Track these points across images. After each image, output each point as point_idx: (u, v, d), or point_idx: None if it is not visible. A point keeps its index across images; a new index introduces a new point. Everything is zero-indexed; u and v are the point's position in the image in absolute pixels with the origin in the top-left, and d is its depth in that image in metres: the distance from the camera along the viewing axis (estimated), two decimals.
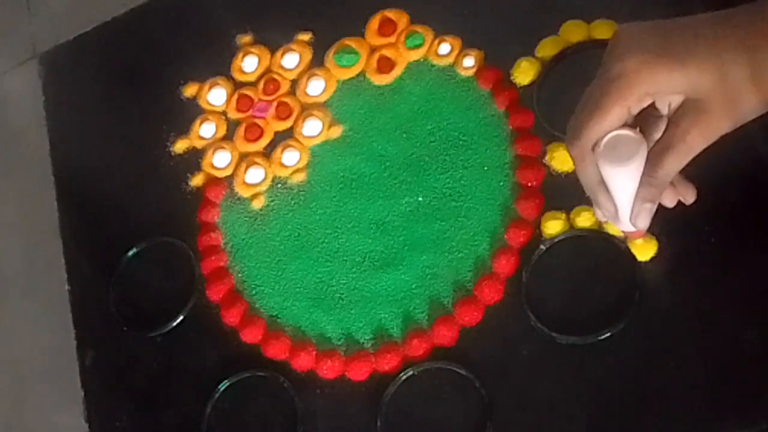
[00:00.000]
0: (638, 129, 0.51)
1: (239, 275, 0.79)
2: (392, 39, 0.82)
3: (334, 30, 0.85)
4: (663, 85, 0.47)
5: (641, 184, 0.51)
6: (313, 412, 0.72)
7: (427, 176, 0.76)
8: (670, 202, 0.54)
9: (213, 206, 0.83)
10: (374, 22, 0.83)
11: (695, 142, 0.48)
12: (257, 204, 0.81)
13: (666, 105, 0.50)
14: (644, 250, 0.65)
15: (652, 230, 0.66)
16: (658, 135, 0.52)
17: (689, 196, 0.54)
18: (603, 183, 0.53)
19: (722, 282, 0.64)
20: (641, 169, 0.51)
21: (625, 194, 0.53)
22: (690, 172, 0.67)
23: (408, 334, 0.71)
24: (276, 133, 0.84)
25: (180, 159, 0.86)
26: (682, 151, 0.48)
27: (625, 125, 0.50)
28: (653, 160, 0.50)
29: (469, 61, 0.78)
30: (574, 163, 0.53)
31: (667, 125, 0.50)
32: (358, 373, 0.71)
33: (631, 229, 0.56)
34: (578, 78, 0.73)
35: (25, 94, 0.98)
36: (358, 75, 0.83)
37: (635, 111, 0.49)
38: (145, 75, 0.91)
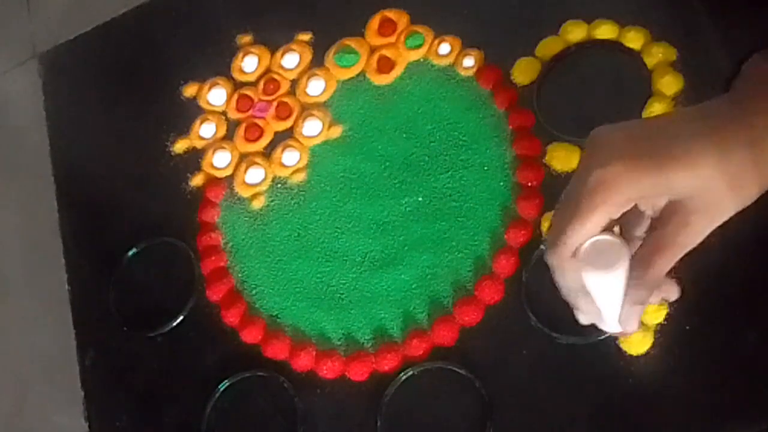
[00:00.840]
0: (618, 232, 0.50)
1: (239, 275, 0.79)
2: (392, 39, 0.82)
3: (334, 30, 0.85)
4: (645, 191, 0.46)
5: (631, 286, 0.50)
6: (313, 412, 0.72)
7: (427, 176, 0.76)
8: (654, 299, 0.53)
9: (213, 206, 0.83)
10: (374, 22, 0.83)
11: (685, 242, 0.48)
12: (257, 204, 0.81)
13: (649, 207, 0.49)
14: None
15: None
16: (639, 233, 0.51)
17: (673, 294, 0.54)
18: (584, 289, 0.52)
19: (722, 282, 0.64)
20: (625, 273, 0.50)
21: (609, 299, 0.52)
22: None
23: (408, 334, 0.71)
24: (276, 133, 0.84)
25: (180, 159, 0.86)
26: (673, 252, 0.48)
27: (605, 230, 0.49)
28: (643, 262, 0.49)
29: (469, 61, 0.78)
30: (552, 271, 0.51)
31: (655, 226, 0.49)
32: (358, 373, 0.71)
33: (619, 330, 0.54)
34: (578, 78, 0.74)
35: (25, 94, 0.98)
36: (358, 75, 0.83)
37: (616, 216, 0.48)
38: (145, 75, 0.91)
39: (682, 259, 0.65)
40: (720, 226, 0.64)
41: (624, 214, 0.48)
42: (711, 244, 0.65)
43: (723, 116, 0.46)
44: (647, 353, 0.64)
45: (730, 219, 0.65)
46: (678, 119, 0.49)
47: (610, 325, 0.53)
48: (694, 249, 0.65)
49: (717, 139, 0.45)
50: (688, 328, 0.64)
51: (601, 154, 0.46)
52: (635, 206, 0.49)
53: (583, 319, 0.54)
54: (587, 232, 0.48)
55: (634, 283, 0.49)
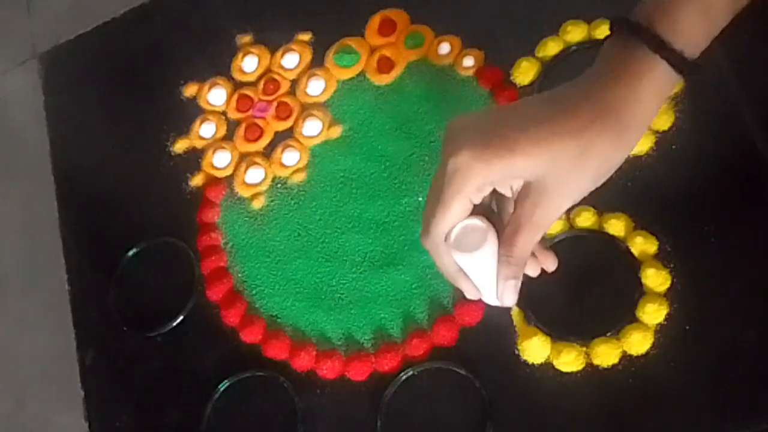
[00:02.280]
0: (484, 217, 0.53)
1: (239, 275, 0.79)
2: (392, 39, 0.82)
3: (334, 30, 0.85)
4: (498, 174, 0.49)
5: (500, 263, 0.53)
6: (313, 412, 0.72)
7: (427, 176, 0.76)
8: (533, 272, 0.56)
9: (213, 206, 0.83)
10: (374, 22, 0.83)
11: (540, 222, 0.50)
12: (257, 204, 0.81)
13: (508, 189, 0.52)
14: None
15: (652, 229, 0.67)
16: (508, 215, 0.53)
17: (550, 265, 0.56)
18: (461, 270, 0.55)
19: (722, 282, 0.64)
20: (493, 252, 0.53)
21: (483, 277, 0.55)
22: (690, 172, 0.67)
23: (408, 334, 0.71)
24: (276, 133, 0.84)
25: (180, 159, 0.86)
26: (531, 230, 0.50)
27: (473, 214, 0.52)
28: (507, 240, 0.51)
29: (469, 61, 0.78)
30: (430, 255, 0.54)
31: (514, 206, 0.51)
32: (358, 373, 0.71)
33: (499, 304, 0.56)
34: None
35: (25, 94, 0.98)
36: (358, 75, 0.83)
37: (477, 200, 0.51)
38: (145, 75, 0.91)
39: (682, 259, 0.65)
40: (720, 226, 0.65)
41: (498, 196, 0.52)
42: (711, 243, 0.65)
43: (568, 100, 0.47)
44: (647, 353, 0.64)
45: (730, 219, 0.65)
46: (525, 105, 0.51)
47: (490, 299, 0.56)
48: (695, 249, 0.65)
49: (560, 122, 0.47)
50: (688, 328, 0.64)
51: (454, 144, 0.49)
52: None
53: (468, 295, 0.56)
54: (451, 218, 0.51)
55: (503, 259, 0.52)
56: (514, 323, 0.68)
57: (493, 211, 0.55)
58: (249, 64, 0.87)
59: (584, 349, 0.65)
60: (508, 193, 0.52)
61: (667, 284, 0.65)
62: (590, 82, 0.47)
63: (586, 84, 0.47)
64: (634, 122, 0.47)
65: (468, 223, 0.52)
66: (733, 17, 0.48)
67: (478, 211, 0.53)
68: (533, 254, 0.55)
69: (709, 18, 0.46)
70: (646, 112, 0.47)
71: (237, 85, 0.87)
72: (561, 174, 0.48)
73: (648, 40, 0.45)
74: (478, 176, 0.49)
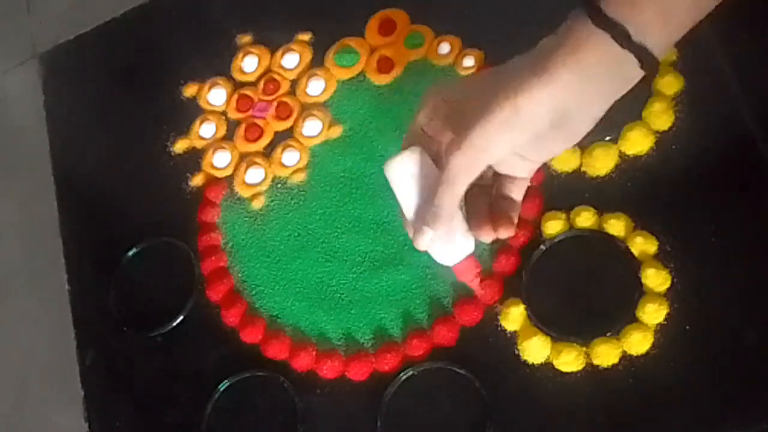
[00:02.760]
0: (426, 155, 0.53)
1: (239, 275, 0.79)
2: (392, 39, 0.82)
3: (334, 30, 0.85)
4: (437, 112, 0.51)
5: (421, 206, 0.52)
6: (313, 412, 0.72)
7: None
8: (485, 237, 0.53)
9: (213, 206, 0.83)
10: (374, 22, 0.83)
11: (453, 168, 0.49)
12: (257, 204, 0.81)
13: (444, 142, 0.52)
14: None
15: (652, 229, 0.67)
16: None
17: (503, 232, 0.53)
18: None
19: (722, 282, 0.64)
20: (409, 171, 0.53)
21: (400, 195, 0.54)
22: (690, 172, 0.67)
23: (408, 334, 0.71)
24: (276, 133, 0.84)
25: (180, 159, 0.86)
26: (446, 180, 0.49)
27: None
28: (435, 191, 0.51)
29: (469, 61, 0.78)
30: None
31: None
32: (358, 373, 0.71)
33: (421, 248, 0.54)
34: None
35: (25, 94, 0.98)
36: (358, 75, 0.83)
37: (424, 123, 0.53)
38: (145, 75, 0.91)
39: (682, 259, 0.65)
40: (720, 226, 0.65)
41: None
42: (711, 243, 0.65)
43: (519, 70, 0.47)
44: (647, 353, 0.64)
45: (730, 219, 0.65)
46: (482, 76, 0.52)
47: (410, 230, 0.54)
48: (695, 249, 0.65)
49: (510, 86, 0.46)
50: (688, 328, 0.64)
51: (426, 97, 0.52)
52: None
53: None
54: (409, 137, 0.54)
55: (426, 203, 0.51)
56: (516, 327, 0.68)
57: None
58: (249, 64, 0.87)
59: (584, 349, 0.65)
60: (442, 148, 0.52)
61: (667, 284, 0.65)
62: (545, 42, 0.47)
63: (542, 43, 0.47)
64: (543, 68, 0.45)
65: (411, 153, 0.53)
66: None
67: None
68: (493, 221, 0.53)
69: (667, 20, 0.45)
70: (562, 62, 0.45)
71: (237, 85, 0.87)
72: (469, 115, 0.47)
73: (590, 8, 0.45)
74: (431, 102, 0.52)
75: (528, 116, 0.46)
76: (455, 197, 0.49)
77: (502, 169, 0.51)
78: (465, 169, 0.48)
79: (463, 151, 0.47)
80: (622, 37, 0.44)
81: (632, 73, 0.46)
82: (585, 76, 0.45)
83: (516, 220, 0.53)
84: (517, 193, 0.52)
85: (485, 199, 0.52)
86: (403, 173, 0.54)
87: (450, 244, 0.52)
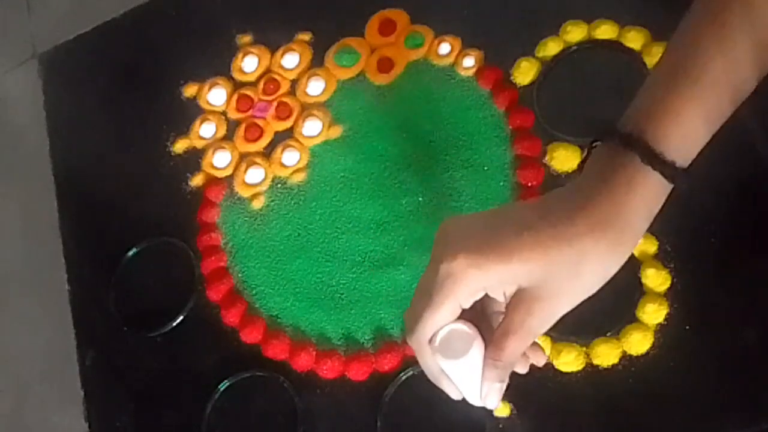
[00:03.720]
0: (470, 323, 0.52)
1: (239, 275, 0.79)
2: (392, 39, 0.82)
3: (334, 30, 0.85)
4: (492, 281, 0.49)
5: (486, 366, 0.52)
6: (313, 412, 0.72)
7: (427, 176, 0.76)
8: (522, 370, 0.56)
9: (213, 206, 0.83)
10: (374, 22, 0.83)
11: (534, 328, 0.49)
12: (257, 204, 0.81)
13: (501, 294, 0.51)
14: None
15: (652, 229, 0.67)
16: (499, 318, 0.53)
17: (540, 360, 0.56)
18: (444, 372, 0.54)
19: (722, 282, 0.64)
20: (477, 358, 0.52)
21: (466, 382, 0.54)
22: (690, 171, 0.67)
23: None
24: (276, 133, 0.84)
25: (180, 159, 0.86)
26: (522, 336, 0.50)
27: (459, 318, 0.51)
28: (496, 344, 0.51)
29: (469, 61, 0.78)
30: (415, 353, 0.54)
31: (506, 311, 0.51)
32: (358, 373, 0.71)
33: (482, 405, 0.55)
34: (578, 78, 0.74)
35: (25, 94, 0.98)
36: (358, 75, 0.83)
37: (467, 305, 0.50)
38: (145, 75, 0.91)
39: (682, 259, 0.65)
40: (720, 226, 0.65)
41: (484, 297, 0.51)
42: (711, 243, 0.65)
43: (562, 209, 0.47)
44: (647, 353, 0.64)
45: (730, 219, 0.65)
46: (520, 210, 0.51)
47: (473, 401, 0.55)
48: (695, 249, 0.65)
49: (556, 230, 0.47)
50: (688, 328, 0.64)
51: (448, 247, 0.49)
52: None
53: (452, 395, 0.56)
54: (439, 320, 0.50)
55: (489, 363, 0.51)
56: None
57: (478, 311, 0.55)
58: (249, 64, 0.87)
59: (584, 349, 0.65)
60: (500, 298, 0.51)
61: (667, 284, 0.65)
62: (584, 191, 0.47)
63: (579, 193, 0.47)
64: (629, 231, 0.47)
65: (454, 328, 0.51)
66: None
67: (465, 313, 0.52)
68: (524, 353, 0.54)
69: (708, 124, 0.46)
70: (641, 220, 0.47)
71: (237, 85, 0.87)
72: (557, 282, 0.47)
73: (641, 152, 0.45)
74: (473, 282, 0.48)
75: (612, 274, 0.48)
76: (525, 348, 0.51)
77: None
78: (546, 328, 0.49)
79: (551, 314, 0.49)
80: (672, 171, 0.45)
81: (668, 189, 0.48)
82: (639, 217, 0.47)
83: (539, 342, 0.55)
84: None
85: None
86: (470, 365, 0.52)
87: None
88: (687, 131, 0.45)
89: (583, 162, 0.51)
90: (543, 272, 0.47)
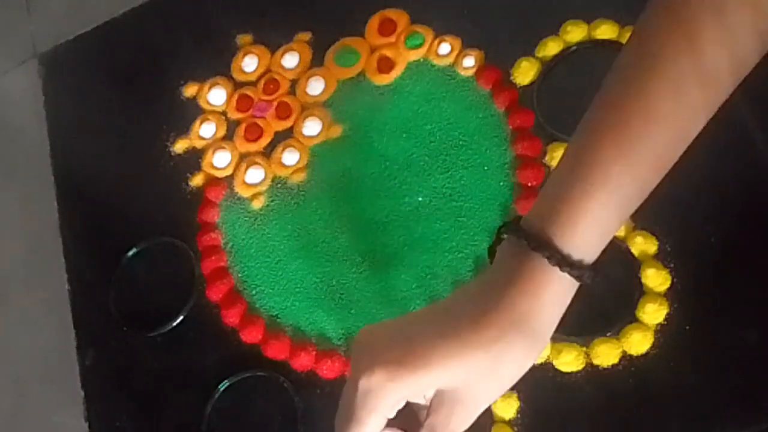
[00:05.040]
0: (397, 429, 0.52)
1: (239, 275, 0.79)
2: (392, 39, 0.82)
3: (334, 30, 0.85)
4: (411, 390, 0.49)
5: None
6: (313, 412, 0.72)
7: (427, 176, 0.76)
8: None
9: (213, 206, 0.83)
10: (374, 22, 0.83)
11: (457, 427, 0.50)
12: (257, 204, 0.81)
13: (421, 398, 0.52)
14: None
15: (653, 229, 0.67)
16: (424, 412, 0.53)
17: None
18: None
19: (722, 282, 0.64)
20: None
21: None
22: (690, 171, 0.67)
23: None
24: (276, 132, 0.84)
25: (180, 159, 0.86)
26: None
27: (387, 426, 0.51)
28: None
29: (469, 61, 0.78)
30: None
31: (429, 412, 0.51)
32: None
33: None
34: (578, 78, 0.74)
35: (25, 94, 0.98)
36: (358, 75, 0.83)
37: (391, 415, 0.50)
38: (145, 75, 0.91)
39: (682, 259, 0.65)
40: (720, 226, 0.65)
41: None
42: (711, 243, 0.65)
43: (474, 312, 0.48)
44: (647, 353, 0.64)
45: (730, 219, 0.65)
46: (432, 316, 0.51)
47: None
48: (695, 249, 0.65)
49: (470, 335, 0.47)
50: (688, 328, 0.64)
51: (364, 361, 0.49)
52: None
53: None
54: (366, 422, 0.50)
55: None
56: None
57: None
58: (249, 64, 0.87)
59: (584, 349, 0.65)
60: (422, 401, 0.52)
61: (667, 284, 0.65)
62: (493, 292, 0.48)
63: (490, 294, 0.48)
64: (541, 329, 0.48)
65: None
66: None
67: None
68: None
69: (620, 211, 0.47)
70: (552, 316, 0.48)
71: (237, 85, 0.87)
72: (475, 384, 0.48)
73: (549, 254, 0.46)
74: (392, 394, 0.49)
75: (526, 369, 0.49)
76: None
77: None
78: (467, 425, 0.50)
79: (473, 413, 0.50)
80: (581, 270, 0.46)
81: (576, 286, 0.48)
82: (551, 315, 0.48)
83: None
84: None
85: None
86: None
87: None
88: (595, 227, 0.46)
89: (492, 248, 0.51)
90: (461, 378, 0.48)
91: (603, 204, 0.45)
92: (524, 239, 0.47)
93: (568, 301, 0.48)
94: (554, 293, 0.47)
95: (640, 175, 0.46)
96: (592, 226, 0.46)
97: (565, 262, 0.46)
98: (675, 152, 0.47)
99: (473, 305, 0.48)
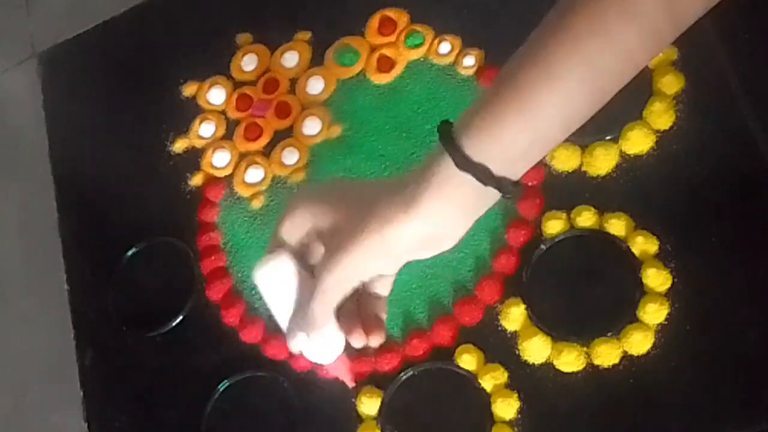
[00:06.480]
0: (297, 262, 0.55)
1: (239, 275, 0.79)
2: (392, 38, 0.82)
3: (334, 29, 0.84)
4: (316, 219, 0.53)
5: (294, 311, 0.55)
6: (312, 412, 0.72)
7: None
8: (356, 342, 0.57)
9: (212, 206, 0.83)
10: (374, 22, 0.83)
11: (324, 282, 0.52)
12: (257, 203, 0.81)
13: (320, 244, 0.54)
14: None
15: (653, 229, 0.67)
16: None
17: (373, 340, 0.57)
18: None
19: (722, 282, 0.64)
20: (278, 277, 0.55)
21: (270, 301, 0.55)
22: (691, 172, 0.67)
23: (408, 334, 0.71)
24: (276, 132, 0.83)
25: (180, 158, 0.86)
26: (318, 291, 0.52)
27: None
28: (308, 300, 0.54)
29: (469, 61, 0.78)
30: None
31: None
32: (358, 373, 0.71)
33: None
34: None
35: (25, 94, 0.98)
36: (358, 74, 0.83)
37: (297, 234, 0.54)
38: (145, 75, 0.91)
39: (683, 259, 0.65)
40: (720, 226, 0.65)
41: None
42: (712, 243, 0.65)
43: (385, 187, 0.51)
44: (648, 353, 0.64)
45: (730, 219, 0.65)
46: (363, 183, 0.58)
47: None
48: (696, 249, 0.65)
49: (366, 201, 0.51)
50: (688, 328, 0.64)
51: (299, 196, 0.55)
52: None
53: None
54: (276, 240, 0.55)
55: (300, 309, 0.54)
56: (517, 327, 0.68)
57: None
58: (249, 63, 0.86)
59: (585, 349, 0.65)
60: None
61: (668, 284, 0.65)
62: (407, 179, 0.51)
63: (405, 180, 0.51)
64: (411, 204, 0.49)
65: (287, 259, 0.54)
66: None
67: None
68: (364, 324, 0.57)
69: (531, 142, 0.49)
70: (454, 214, 0.50)
71: (237, 84, 0.87)
72: (341, 238, 0.51)
73: (454, 155, 0.48)
74: (298, 215, 0.54)
75: (395, 246, 0.50)
76: (329, 307, 0.53)
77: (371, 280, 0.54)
78: (336, 286, 0.52)
79: (335, 273, 0.51)
80: (485, 176, 0.48)
81: (494, 198, 0.49)
82: (451, 210, 0.49)
83: (384, 318, 0.57)
84: (383, 289, 0.55)
85: (353, 297, 0.54)
86: (274, 279, 0.55)
87: (323, 345, 0.55)
88: (502, 140, 0.48)
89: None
90: (336, 227, 0.52)
91: (513, 121, 0.47)
92: (441, 140, 0.50)
93: (477, 209, 0.50)
94: (457, 192, 0.49)
95: (554, 103, 0.48)
96: (499, 138, 0.48)
97: (466, 163, 0.48)
98: (591, 88, 0.48)
99: (393, 184, 0.51)
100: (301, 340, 0.55)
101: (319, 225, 0.53)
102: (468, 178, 0.48)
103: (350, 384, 0.60)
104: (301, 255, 0.55)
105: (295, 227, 0.54)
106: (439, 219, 0.50)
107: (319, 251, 0.55)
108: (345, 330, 0.55)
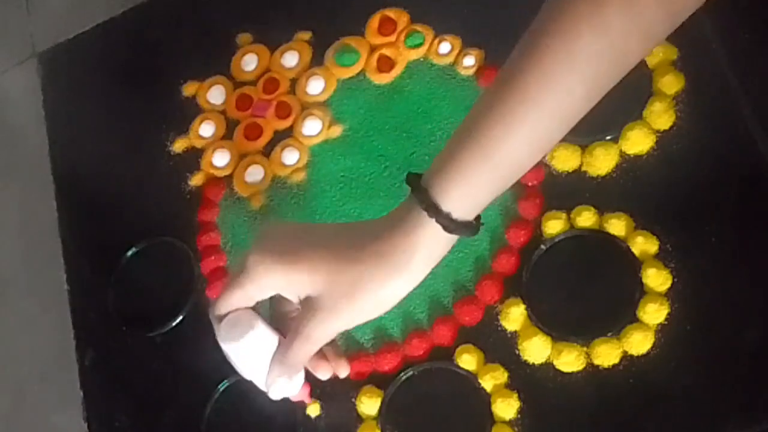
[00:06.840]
0: (272, 327, 0.59)
1: None
2: (392, 38, 0.82)
3: (334, 29, 0.84)
4: (278, 283, 0.56)
5: (274, 361, 0.59)
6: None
7: None
8: (323, 375, 0.62)
9: (212, 206, 0.83)
10: (374, 21, 0.83)
11: (313, 335, 0.55)
12: (257, 203, 0.81)
13: (295, 297, 0.56)
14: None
15: (653, 229, 0.67)
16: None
17: (341, 371, 0.62)
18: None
19: (722, 282, 0.64)
20: (255, 348, 0.58)
21: (245, 366, 0.60)
22: (691, 172, 0.67)
23: (408, 334, 0.71)
24: (275, 132, 0.83)
25: (179, 158, 0.86)
26: (303, 340, 0.56)
27: (253, 309, 0.58)
28: (284, 343, 0.58)
29: (469, 61, 0.78)
30: None
31: (297, 315, 0.57)
32: (358, 373, 0.71)
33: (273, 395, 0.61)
34: None
35: (25, 94, 0.98)
36: (358, 74, 0.83)
37: (258, 297, 0.57)
38: (145, 74, 0.91)
39: (683, 259, 0.65)
40: (720, 226, 0.65)
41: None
42: (712, 243, 0.65)
43: (360, 235, 0.54)
44: (648, 353, 0.64)
45: (730, 219, 0.65)
46: (328, 230, 0.59)
47: (260, 387, 0.61)
48: (696, 249, 0.65)
49: (345, 251, 0.54)
50: (688, 328, 0.64)
51: (258, 244, 0.56)
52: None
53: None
54: (230, 303, 0.58)
55: (276, 358, 0.58)
56: (517, 327, 0.68)
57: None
58: (249, 63, 0.87)
59: (585, 349, 0.65)
60: (294, 299, 0.57)
61: (668, 284, 0.65)
62: (379, 227, 0.53)
63: (376, 228, 0.54)
64: (404, 269, 0.52)
65: (239, 313, 0.57)
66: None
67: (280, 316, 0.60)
68: (326, 357, 0.62)
69: (492, 187, 0.52)
70: (419, 262, 0.53)
71: (237, 84, 0.87)
72: (334, 298, 0.54)
73: (424, 204, 0.51)
74: (261, 279, 0.56)
75: (389, 305, 0.54)
76: (312, 353, 0.57)
77: None
78: (325, 338, 0.55)
79: (328, 329, 0.55)
80: (449, 223, 0.52)
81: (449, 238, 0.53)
82: (433, 262, 0.54)
83: (339, 345, 0.64)
84: None
85: None
86: (246, 350, 0.58)
87: (291, 382, 0.60)
88: (467, 188, 0.51)
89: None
90: (324, 285, 0.54)
91: (478, 169, 0.51)
92: (412, 188, 0.53)
93: (441, 250, 0.53)
94: (425, 237, 0.52)
95: (516, 149, 0.51)
96: (463, 185, 0.51)
97: (434, 210, 0.51)
98: (551, 134, 0.51)
99: (361, 234, 0.54)
100: (283, 385, 0.59)
101: (291, 287, 0.56)
102: (434, 226, 0.51)
103: (308, 402, 0.68)
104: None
105: (261, 289, 0.56)
106: (425, 273, 0.53)
107: (287, 304, 0.58)
108: (312, 366, 0.60)
